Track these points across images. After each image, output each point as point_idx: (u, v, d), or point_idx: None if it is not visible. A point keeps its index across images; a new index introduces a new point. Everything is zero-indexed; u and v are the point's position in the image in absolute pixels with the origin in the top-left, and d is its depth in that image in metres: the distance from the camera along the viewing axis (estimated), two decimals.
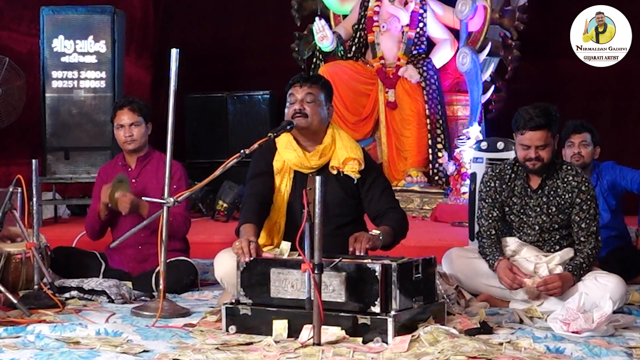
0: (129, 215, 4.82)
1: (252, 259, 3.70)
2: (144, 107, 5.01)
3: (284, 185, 4.11)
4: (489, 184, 4.43)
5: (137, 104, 4.99)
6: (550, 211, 4.33)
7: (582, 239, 4.29)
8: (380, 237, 3.91)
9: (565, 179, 4.32)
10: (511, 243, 4.40)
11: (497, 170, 4.44)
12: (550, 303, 4.18)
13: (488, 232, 4.40)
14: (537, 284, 4.16)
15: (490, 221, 4.40)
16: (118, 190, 4.76)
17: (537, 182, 4.35)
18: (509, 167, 4.42)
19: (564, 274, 4.19)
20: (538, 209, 4.35)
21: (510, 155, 5.70)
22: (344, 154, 4.09)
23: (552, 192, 4.33)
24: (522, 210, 4.38)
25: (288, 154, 4.09)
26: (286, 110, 4.11)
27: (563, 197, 4.31)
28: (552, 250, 4.38)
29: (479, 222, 4.47)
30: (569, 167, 4.36)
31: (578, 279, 4.20)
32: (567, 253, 4.34)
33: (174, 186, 4.53)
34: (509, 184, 4.39)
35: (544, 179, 4.34)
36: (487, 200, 4.42)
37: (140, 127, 4.96)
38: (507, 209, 4.41)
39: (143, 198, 4.59)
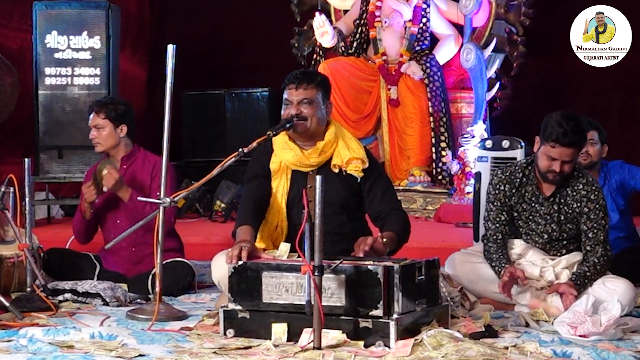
0: (117, 212, 4.89)
1: (240, 263, 3.69)
2: (112, 110, 5.01)
3: (281, 186, 4.10)
4: (498, 187, 4.39)
5: (105, 107, 5.01)
6: (560, 219, 4.32)
7: (588, 247, 4.25)
8: (386, 242, 3.91)
9: (575, 187, 4.29)
10: (517, 246, 4.39)
11: (507, 174, 4.39)
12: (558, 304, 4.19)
13: (495, 237, 4.37)
14: (549, 291, 4.15)
15: (497, 225, 4.37)
16: (106, 166, 4.79)
17: (550, 190, 4.32)
18: (519, 171, 4.38)
19: (567, 284, 4.15)
20: (548, 217, 4.33)
21: (515, 154, 5.70)
22: (347, 153, 4.08)
23: (562, 201, 4.31)
24: (530, 217, 4.37)
25: (285, 154, 4.09)
26: (282, 112, 4.10)
27: (571, 206, 4.29)
28: (558, 255, 4.37)
29: (486, 225, 4.44)
30: (580, 175, 4.32)
31: (581, 288, 4.13)
32: (574, 257, 4.33)
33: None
34: (520, 189, 4.36)
35: (557, 187, 4.31)
36: (495, 204, 4.38)
37: (103, 129, 4.99)
38: (515, 214, 4.39)
39: (139, 198, 4.59)
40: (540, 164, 4.26)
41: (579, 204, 4.28)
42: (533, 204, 4.35)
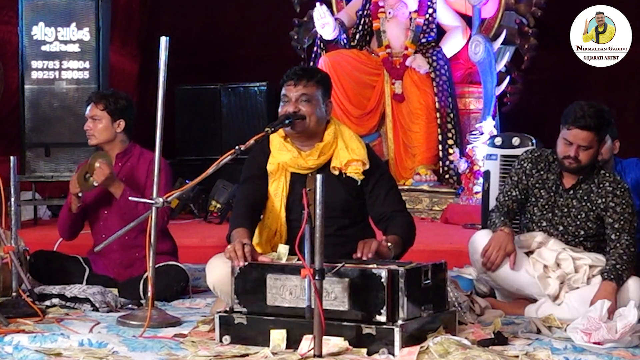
0: (108, 211, 4.89)
1: (246, 263, 3.69)
2: (112, 103, 4.99)
3: (280, 189, 4.09)
4: (522, 162, 4.54)
5: (105, 99, 5.00)
6: (579, 216, 4.41)
7: (613, 237, 4.32)
8: (390, 247, 3.91)
9: (601, 185, 4.40)
10: (537, 235, 4.49)
11: (536, 155, 4.55)
12: (572, 301, 4.25)
13: (501, 208, 4.51)
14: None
15: (506, 199, 4.53)
16: (99, 159, 4.78)
17: (571, 182, 4.44)
18: (544, 157, 4.51)
19: (604, 286, 4.18)
20: (565, 210, 4.44)
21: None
22: (346, 155, 4.06)
23: (585, 197, 4.41)
24: (547, 206, 4.47)
25: (282, 155, 4.07)
26: (280, 109, 4.09)
27: (596, 202, 4.38)
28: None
29: (497, 198, 4.59)
30: (607, 174, 4.42)
31: (619, 281, 4.19)
32: (598, 258, 4.37)
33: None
34: (542, 173, 4.49)
35: (579, 181, 4.41)
36: (513, 178, 4.54)
37: (100, 121, 4.97)
38: (532, 198, 4.51)
39: (130, 198, 4.59)
40: (558, 150, 4.39)
41: (603, 200, 4.36)
42: (552, 194, 4.46)
